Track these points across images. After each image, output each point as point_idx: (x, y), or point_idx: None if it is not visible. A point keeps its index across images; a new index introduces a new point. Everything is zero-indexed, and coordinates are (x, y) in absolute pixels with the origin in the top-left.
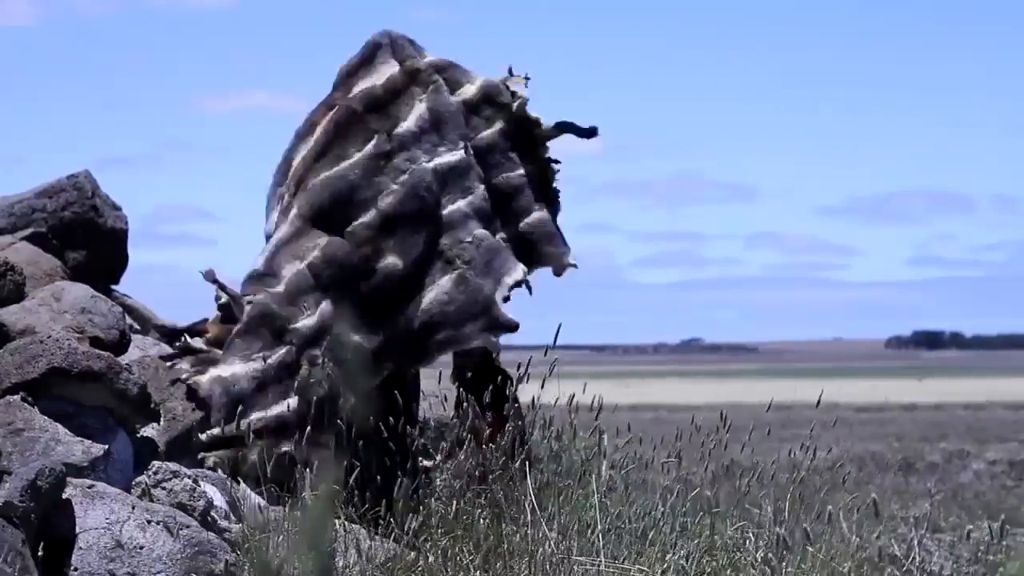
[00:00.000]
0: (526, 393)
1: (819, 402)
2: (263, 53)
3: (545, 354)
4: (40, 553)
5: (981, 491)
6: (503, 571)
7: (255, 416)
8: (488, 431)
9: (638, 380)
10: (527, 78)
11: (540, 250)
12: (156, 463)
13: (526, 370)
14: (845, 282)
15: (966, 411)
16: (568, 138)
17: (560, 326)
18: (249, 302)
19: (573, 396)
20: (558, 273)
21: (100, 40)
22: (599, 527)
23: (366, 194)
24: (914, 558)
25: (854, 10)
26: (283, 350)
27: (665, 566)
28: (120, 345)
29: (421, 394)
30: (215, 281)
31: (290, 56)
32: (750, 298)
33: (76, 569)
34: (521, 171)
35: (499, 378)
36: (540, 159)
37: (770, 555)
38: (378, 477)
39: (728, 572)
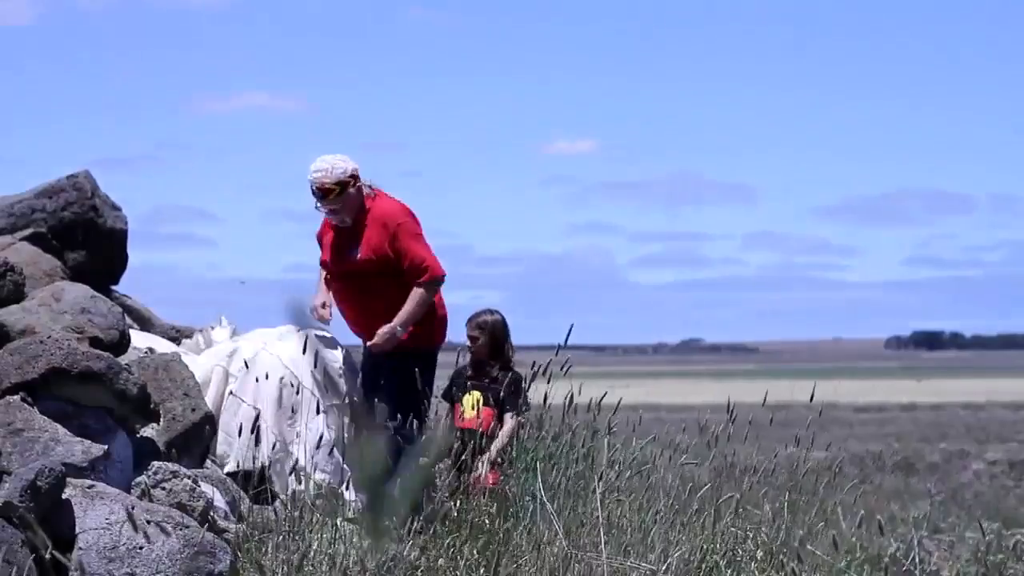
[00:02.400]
0: (538, 393)
1: (812, 397)
2: (263, 54)
3: (556, 354)
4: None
5: (981, 491)
6: (507, 570)
7: None
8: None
9: (638, 380)
10: None
11: None
12: (156, 463)
13: (545, 368)
14: (844, 282)
15: (966, 411)
16: (567, 138)
17: (572, 327)
18: None
19: (599, 396)
20: None
21: (99, 40)
22: (601, 525)
23: None
24: (914, 558)
25: (853, 10)
26: None
27: (667, 564)
28: (120, 345)
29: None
30: None
31: (290, 57)
32: (750, 298)
33: (75, 569)
34: None
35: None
36: None
37: (769, 554)
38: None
39: (728, 571)
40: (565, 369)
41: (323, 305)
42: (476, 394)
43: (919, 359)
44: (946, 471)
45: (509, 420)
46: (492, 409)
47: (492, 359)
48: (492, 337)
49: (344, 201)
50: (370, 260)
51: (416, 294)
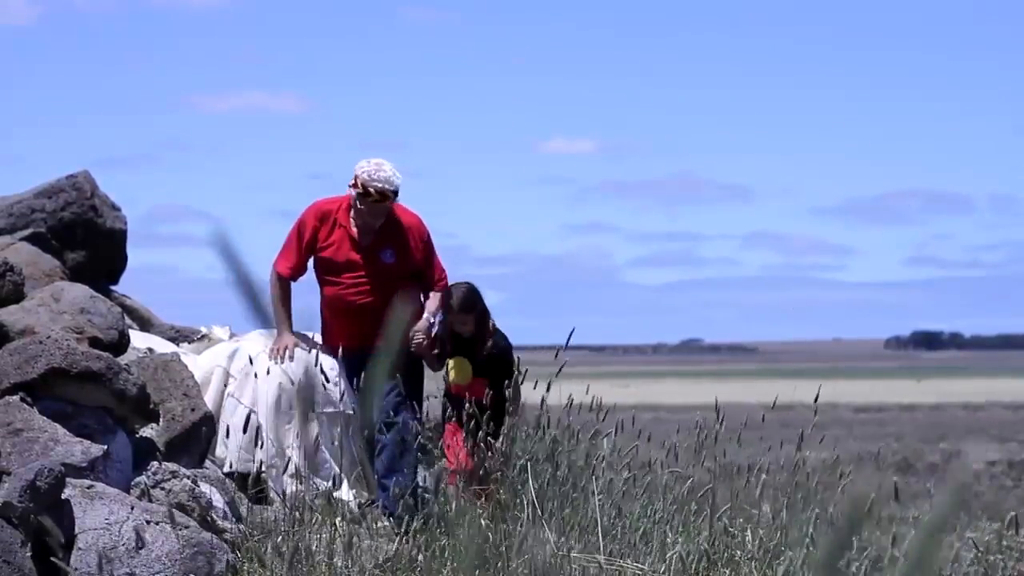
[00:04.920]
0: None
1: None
2: (261, 53)
3: (556, 356)
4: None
5: (981, 491)
6: (503, 571)
7: None
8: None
9: (638, 380)
10: None
11: None
12: (155, 463)
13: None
14: (844, 282)
15: (965, 411)
16: (564, 138)
17: (573, 331)
18: None
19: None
20: None
21: (99, 40)
22: (599, 526)
23: None
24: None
25: (852, 10)
26: None
27: (665, 565)
28: (120, 345)
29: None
30: None
31: (288, 56)
32: (749, 298)
33: (76, 569)
34: None
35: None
36: None
37: (768, 554)
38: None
39: (727, 571)
40: (558, 373)
41: (288, 347)
42: (462, 360)
43: (919, 359)
44: (946, 471)
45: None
46: (484, 380)
47: (479, 333)
48: (479, 314)
49: (390, 207)
50: (404, 264)
51: (440, 296)
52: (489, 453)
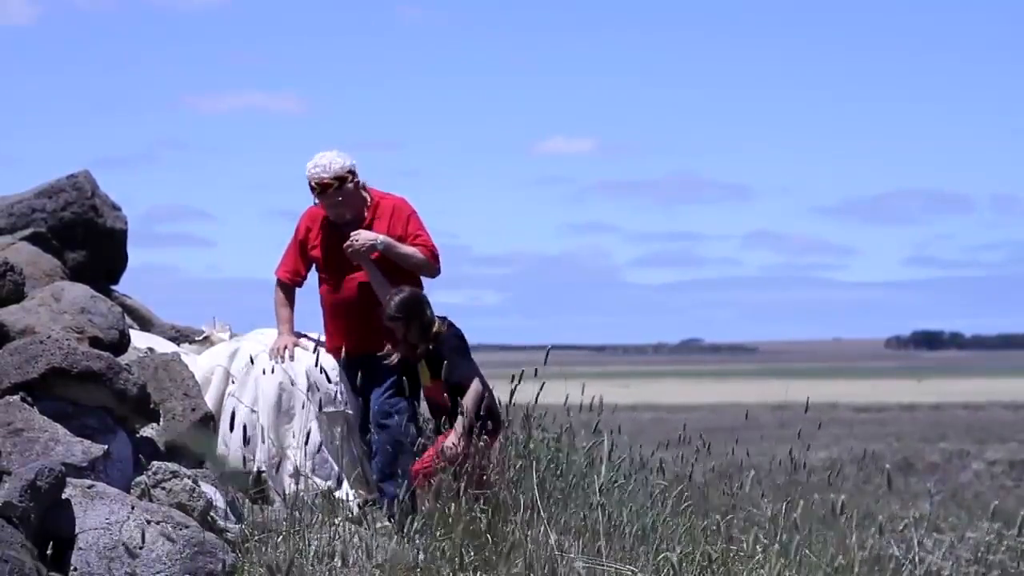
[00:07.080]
0: (527, 395)
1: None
2: (259, 53)
3: (536, 373)
4: (48, 552)
5: (981, 491)
6: (503, 571)
7: None
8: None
9: (638, 380)
10: None
11: None
12: (156, 463)
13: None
14: (844, 282)
15: (965, 411)
16: (563, 137)
17: (550, 348)
18: None
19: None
20: None
21: (98, 40)
22: (600, 527)
23: None
24: (914, 558)
25: (852, 10)
26: None
27: (666, 567)
28: (120, 345)
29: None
30: None
31: (287, 56)
32: (749, 298)
33: (76, 569)
34: None
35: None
36: None
37: (768, 555)
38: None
39: (722, 571)
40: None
41: (288, 347)
42: (423, 365)
43: (919, 359)
44: (946, 471)
45: (473, 386)
46: (438, 381)
47: (422, 338)
48: (410, 319)
49: (343, 195)
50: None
51: (416, 249)
52: (476, 454)
